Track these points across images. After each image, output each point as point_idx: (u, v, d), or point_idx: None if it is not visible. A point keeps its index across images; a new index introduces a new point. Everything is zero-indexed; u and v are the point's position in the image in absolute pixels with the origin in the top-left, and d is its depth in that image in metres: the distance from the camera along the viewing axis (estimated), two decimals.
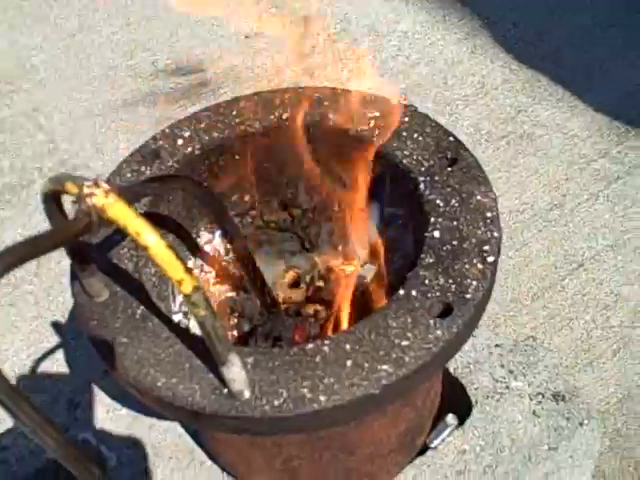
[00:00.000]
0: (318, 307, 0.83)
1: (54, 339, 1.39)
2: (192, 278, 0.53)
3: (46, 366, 1.30)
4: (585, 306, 1.38)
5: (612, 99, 1.71)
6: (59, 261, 1.50)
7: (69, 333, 1.39)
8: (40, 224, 1.56)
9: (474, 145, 1.62)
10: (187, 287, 0.53)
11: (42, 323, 1.41)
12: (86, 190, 0.51)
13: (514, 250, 1.47)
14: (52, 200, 0.56)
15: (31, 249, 0.47)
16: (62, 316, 1.42)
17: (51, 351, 1.36)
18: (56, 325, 1.41)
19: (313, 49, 1.85)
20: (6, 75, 1.93)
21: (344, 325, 0.79)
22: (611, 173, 1.58)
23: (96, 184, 0.52)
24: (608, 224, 1.50)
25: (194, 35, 1.97)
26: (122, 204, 0.52)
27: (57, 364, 1.32)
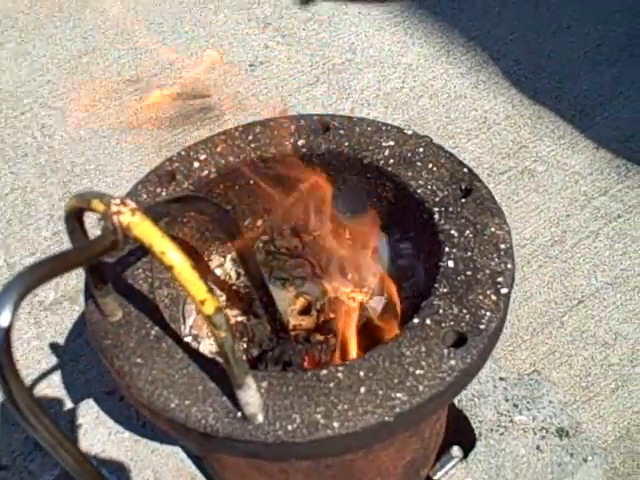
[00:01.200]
0: (328, 335, 0.83)
1: (52, 360, 1.38)
2: (214, 299, 0.53)
3: (45, 387, 1.29)
4: (584, 343, 1.38)
5: (612, 137, 1.73)
6: (57, 282, 1.50)
7: (67, 355, 1.38)
8: (42, 243, 1.56)
9: None
10: (209, 308, 0.53)
11: (40, 344, 1.40)
12: (113, 208, 0.52)
13: (515, 285, 1.46)
14: (75, 218, 0.57)
15: (59, 265, 0.47)
16: (61, 337, 1.42)
17: (49, 372, 1.35)
18: (54, 347, 1.41)
19: (317, 79, 1.88)
20: (11, 95, 1.94)
21: (353, 353, 0.79)
22: (611, 211, 1.59)
23: (123, 202, 0.52)
24: (608, 261, 1.50)
25: (200, 62, 1.98)
26: (148, 223, 0.52)
27: (55, 386, 1.31)
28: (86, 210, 0.55)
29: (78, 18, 2.14)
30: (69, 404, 1.23)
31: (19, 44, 2.08)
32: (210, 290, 0.53)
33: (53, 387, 1.30)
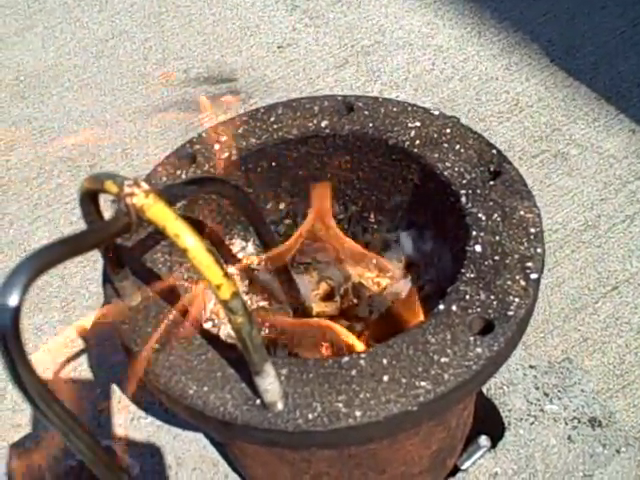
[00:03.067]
0: (351, 321, 0.81)
1: (78, 344, 1.38)
2: (231, 283, 0.51)
3: (70, 372, 1.29)
4: (618, 330, 1.35)
5: None
6: (85, 265, 1.50)
7: (94, 339, 1.38)
8: (68, 227, 1.56)
9: None
10: (225, 293, 0.51)
11: (67, 326, 1.41)
12: (127, 190, 0.50)
13: (546, 270, 1.44)
14: (89, 199, 0.55)
15: (71, 247, 0.46)
16: (87, 322, 1.42)
17: (75, 357, 1.35)
18: (80, 330, 1.41)
19: (346, 61, 1.85)
20: (37, 78, 1.94)
21: (375, 341, 0.77)
22: None
23: (136, 184, 0.51)
24: None
25: (227, 45, 1.97)
26: (162, 205, 0.50)
27: (81, 370, 1.31)
28: (100, 192, 0.53)
29: (105, 2, 2.14)
30: (93, 389, 1.23)
31: (46, 28, 2.08)
32: (226, 274, 0.51)
33: (78, 371, 1.30)
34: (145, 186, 0.51)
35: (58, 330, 1.41)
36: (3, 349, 0.44)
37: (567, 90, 1.76)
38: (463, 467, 0.87)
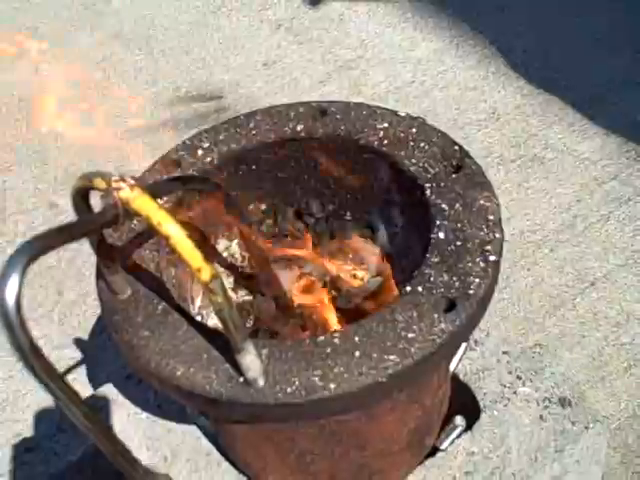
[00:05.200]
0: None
1: (76, 355, 1.43)
2: (210, 267, 0.57)
3: (69, 379, 1.34)
4: (597, 324, 1.40)
5: (621, 123, 1.75)
6: (80, 280, 1.55)
7: (89, 350, 1.43)
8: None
9: (486, 168, 1.63)
10: (205, 275, 0.57)
11: (64, 341, 1.45)
12: (114, 184, 0.56)
13: (526, 270, 1.50)
14: (81, 197, 0.61)
15: (62, 235, 0.52)
16: (84, 334, 1.47)
17: (73, 367, 1.40)
18: (77, 342, 1.46)
19: (329, 76, 1.92)
20: (31, 101, 1.99)
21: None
22: (621, 195, 1.61)
23: (123, 179, 0.56)
24: (619, 244, 1.52)
25: (214, 64, 2.03)
26: (146, 197, 0.56)
27: (80, 377, 1.36)
28: (90, 189, 0.59)
29: (95, 25, 2.20)
30: (91, 388, 1.28)
31: (38, 53, 2.14)
32: (206, 258, 0.57)
33: (77, 379, 1.35)
34: (131, 181, 0.57)
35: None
36: (9, 330, 0.49)
37: (542, 97, 1.83)
38: (442, 447, 0.92)
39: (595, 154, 1.69)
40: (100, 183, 0.57)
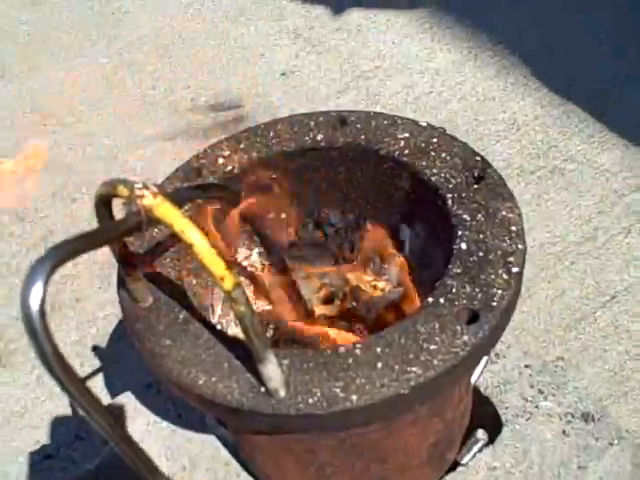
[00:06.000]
0: (351, 322, 0.86)
1: (95, 363, 1.43)
2: (233, 275, 0.57)
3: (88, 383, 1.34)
4: (618, 338, 1.39)
5: None
6: (100, 287, 1.56)
7: (108, 357, 1.43)
8: None
9: (506, 179, 1.63)
10: (228, 283, 0.56)
11: (82, 349, 1.46)
12: (137, 192, 0.56)
13: (546, 282, 1.48)
14: (103, 204, 0.61)
15: (85, 243, 0.52)
16: (102, 341, 1.47)
17: (91, 374, 1.40)
18: (96, 349, 1.46)
19: (347, 86, 1.92)
20: (48, 110, 2.01)
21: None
22: None
23: (145, 187, 0.56)
24: None
25: (232, 73, 2.04)
26: (169, 205, 0.56)
27: (98, 386, 1.36)
28: (112, 196, 0.59)
29: (114, 36, 2.22)
30: (110, 400, 1.28)
31: (59, 62, 2.16)
32: (229, 267, 0.57)
33: (95, 387, 1.35)
34: (154, 188, 0.57)
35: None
36: (32, 336, 0.49)
37: (562, 108, 1.82)
38: (463, 462, 0.91)
39: (615, 166, 1.68)
40: (123, 190, 0.57)
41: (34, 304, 0.47)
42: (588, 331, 1.40)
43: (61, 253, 0.49)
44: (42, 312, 0.47)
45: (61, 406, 1.34)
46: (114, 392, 1.33)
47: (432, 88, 1.91)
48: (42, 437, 1.31)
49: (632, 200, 1.61)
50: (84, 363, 1.43)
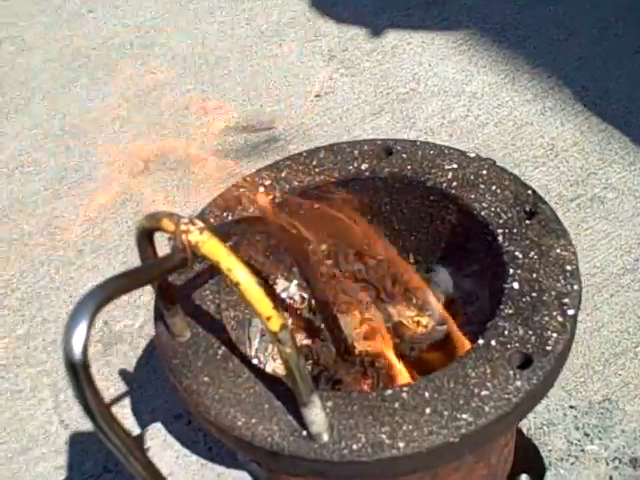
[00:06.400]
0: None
1: (121, 387, 1.41)
2: (280, 316, 0.54)
3: (115, 412, 1.32)
4: None
5: None
6: (127, 310, 1.54)
7: (135, 382, 1.41)
8: (112, 272, 1.60)
9: None
10: (275, 324, 0.54)
11: (110, 371, 1.44)
12: (182, 227, 0.53)
13: (585, 314, 1.44)
14: (146, 237, 0.58)
15: (130, 281, 0.49)
16: (129, 365, 1.45)
17: (118, 398, 1.38)
18: (123, 373, 1.44)
19: (382, 109, 1.90)
20: (82, 129, 2.00)
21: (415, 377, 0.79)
22: None
23: (192, 222, 0.54)
24: None
25: (265, 94, 2.02)
26: (216, 241, 0.53)
27: (124, 412, 1.33)
28: (156, 230, 0.57)
29: (147, 54, 2.21)
30: (138, 429, 1.25)
31: (91, 80, 2.16)
32: (276, 307, 0.54)
33: (121, 413, 1.33)
34: (200, 224, 0.54)
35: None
36: (73, 378, 0.47)
37: (602, 134, 1.78)
38: None
39: None
40: (168, 225, 0.55)
41: (77, 348, 0.45)
42: (628, 367, 1.36)
43: (104, 293, 0.47)
44: (85, 357, 0.44)
45: (88, 433, 1.32)
46: (141, 417, 1.31)
47: (468, 112, 1.88)
48: (66, 463, 1.29)
49: None
50: (110, 386, 1.41)
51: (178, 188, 1.79)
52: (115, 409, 1.32)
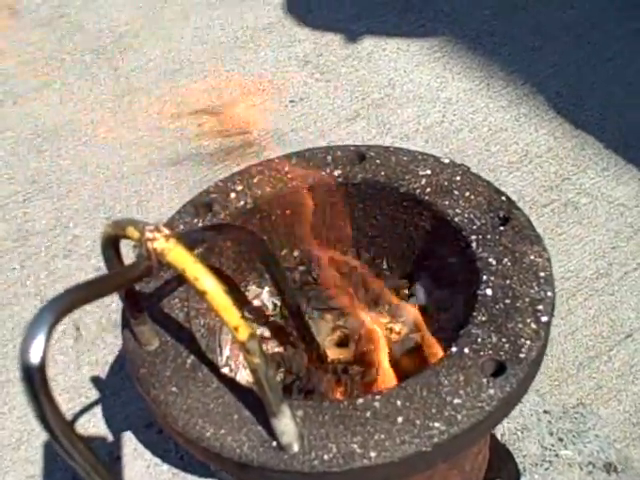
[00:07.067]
0: (366, 367, 0.82)
1: (93, 394, 1.39)
2: (248, 326, 0.53)
3: (85, 421, 1.30)
4: (634, 377, 1.35)
5: None
6: (101, 316, 1.52)
7: (108, 389, 1.39)
8: (85, 277, 1.58)
9: None
10: (243, 334, 0.53)
11: (81, 378, 1.41)
12: (148, 234, 0.52)
13: (559, 318, 1.44)
14: (111, 245, 0.57)
15: (92, 290, 0.48)
16: (102, 372, 1.43)
17: (90, 406, 1.36)
18: (95, 380, 1.42)
19: (357, 114, 1.89)
20: (55, 133, 1.98)
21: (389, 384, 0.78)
22: None
23: (157, 229, 0.53)
24: None
25: (240, 99, 2.01)
26: (181, 249, 0.52)
27: (96, 419, 1.31)
28: (122, 237, 0.55)
29: (121, 59, 2.19)
30: (109, 437, 1.23)
31: (64, 85, 2.13)
32: (244, 316, 0.53)
33: (93, 420, 1.31)
34: (165, 231, 0.53)
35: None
36: (30, 388, 0.45)
37: (576, 140, 1.79)
38: None
39: (630, 200, 1.65)
40: (133, 232, 0.53)
41: (34, 360, 0.43)
42: (602, 370, 1.36)
43: (65, 303, 0.45)
44: (42, 369, 0.43)
45: None
46: (113, 424, 1.29)
47: (443, 118, 1.88)
48: (37, 473, 1.26)
49: None
50: (82, 394, 1.39)
51: (152, 192, 1.77)
52: (87, 416, 1.32)
